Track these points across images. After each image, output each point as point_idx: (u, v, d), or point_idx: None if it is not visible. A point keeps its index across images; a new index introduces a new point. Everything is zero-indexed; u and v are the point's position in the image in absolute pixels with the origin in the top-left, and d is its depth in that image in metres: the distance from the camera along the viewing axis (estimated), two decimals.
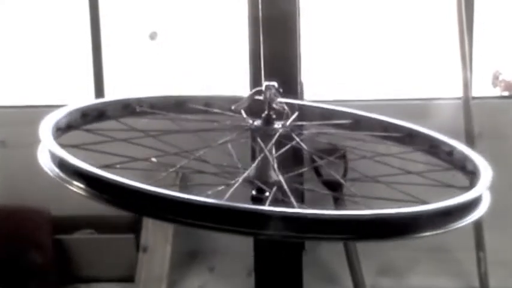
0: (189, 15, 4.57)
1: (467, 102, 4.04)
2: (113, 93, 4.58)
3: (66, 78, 4.71)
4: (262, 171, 1.83)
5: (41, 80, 4.74)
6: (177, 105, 2.12)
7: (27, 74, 4.74)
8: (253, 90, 1.88)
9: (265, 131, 1.85)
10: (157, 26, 4.66)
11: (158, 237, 4.23)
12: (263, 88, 1.85)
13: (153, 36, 4.66)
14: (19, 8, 4.70)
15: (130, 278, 4.21)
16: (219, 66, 4.55)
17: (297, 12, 3.97)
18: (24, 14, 4.69)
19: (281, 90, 1.86)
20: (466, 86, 4.04)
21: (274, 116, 1.87)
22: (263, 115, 1.86)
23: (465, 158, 1.92)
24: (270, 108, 1.86)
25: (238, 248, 4.19)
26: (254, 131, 1.88)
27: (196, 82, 4.55)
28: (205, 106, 2.13)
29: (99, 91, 4.61)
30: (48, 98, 4.56)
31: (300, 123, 2.01)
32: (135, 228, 4.29)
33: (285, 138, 1.90)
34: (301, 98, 3.98)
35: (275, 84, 1.85)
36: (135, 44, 4.69)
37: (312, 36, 4.34)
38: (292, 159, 1.88)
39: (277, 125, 1.87)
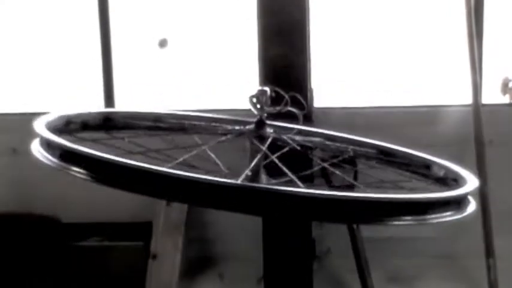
0: (199, 22, 4.58)
1: (477, 109, 4.03)
2: (122, 99, 4.62)
3: (76, 86, 4.73)
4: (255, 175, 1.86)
5: (51, 88, 4.75)
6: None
7: (37, 81, 4.77)
8: (249, 95, 1.91)
9: (257, 135, 1.88)
10: (166, 33, 4.67)
11: (168, 244, 4.23)
12: (255, 93, 1.88)
13: (162, 43, 4.66)
14: (29, 15, 4.73)
15: (140, 286, 4.21)
16: (228, 73, 4.55)
17: (307, 20, 3.98)
18: (34, 21, 4.72)
19: (274, 95, 1.89)
20: (476, 93, 4.03)
21: (266, 121, 1.90)
22: (255, 119, 1.89)
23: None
24: (263, 112, 1.89)
25: (248, 255, 4.20)
26: (246, 134, 1.90)
27: (206, 90, 4.57)
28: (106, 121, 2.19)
29: (109, 98, 4.63)
30: (58, 105, 4.59)
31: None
32: (144, 236, 4.29)
33: (284, 142, 1.94)
34: (311, 105, 3.99)
35: (268, 89, 1.88)
36: (144, 52, 4.69)
37: (322, 43, 4.34)
38: (300, 164, 1.90)
39: (270, 129, 1.90)
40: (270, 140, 1.89)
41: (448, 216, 1.64)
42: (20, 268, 4.29)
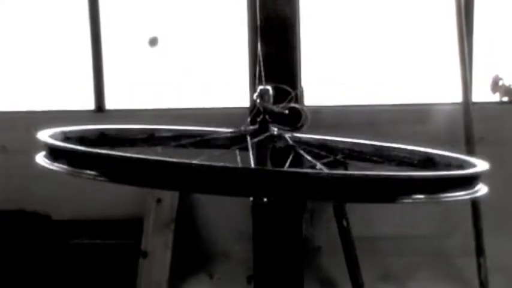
0: (189, 20, 4.57)
1: (467, 107, 4.04)
2: (113, 98, 4.62)
3: (67, 85, 4.71)
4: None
5: (42, 86, 4.74)
6: None
7: (28, 79, 4.75)
8: (255, 95, 1.90)
9: (261, 135, 1.89)
10: (156, 32, 4.66)
11: (158, 243, 4.23)
12: (257, 93, 1.88)
13: (153, 42, 4.64)
14: (20, 15, 4.71)
15: (130, 284, 4.20)
16: (219, 72, 4.55)
17: (297, 18, 3.98)
18: (24, 20, 4.70)
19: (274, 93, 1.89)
20: (466, 91, 4.04)
21: (270, 120, 1.89)
22: (258, 119, 1.89)
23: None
24: (266, 112, 1.88)
25: (238, 254, 4.19)
26: (251, 136, 1.90)
27: (196, 88, 4.56)
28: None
29: (99, 96, 4.62)
30: (49, 104, 4.58)
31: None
32: (135, 234, 4.28)
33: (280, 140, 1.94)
34: (301, 104, 3.99)
35: (269, 88, 1.87)
36: (134, 51, 4.68)
37: (313, 41, 4.34)
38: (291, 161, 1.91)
39: (273, 129, 1.90)
40: (288, 136, 1.91)
41: (461, 196, 1.63)
42: (10, 265, 4.28)
